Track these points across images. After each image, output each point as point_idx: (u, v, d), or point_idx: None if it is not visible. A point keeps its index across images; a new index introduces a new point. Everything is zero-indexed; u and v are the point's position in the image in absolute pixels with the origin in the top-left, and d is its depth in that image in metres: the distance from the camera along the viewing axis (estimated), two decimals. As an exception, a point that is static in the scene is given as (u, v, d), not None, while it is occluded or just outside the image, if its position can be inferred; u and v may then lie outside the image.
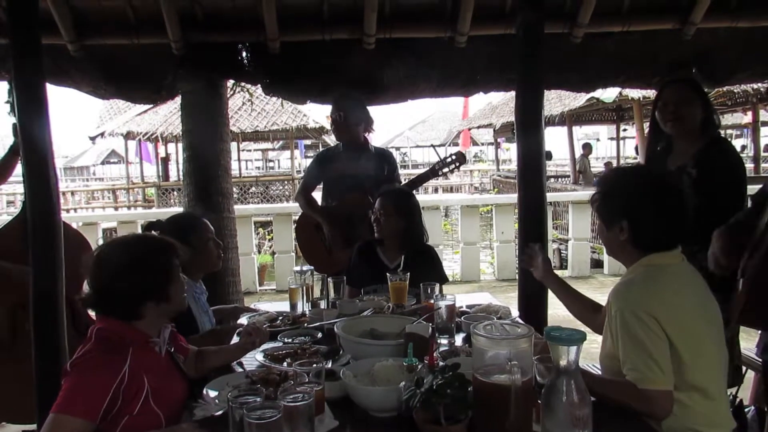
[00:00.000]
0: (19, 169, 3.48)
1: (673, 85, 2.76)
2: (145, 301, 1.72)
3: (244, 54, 3.66)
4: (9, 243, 3.05)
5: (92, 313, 2.02)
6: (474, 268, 7.53)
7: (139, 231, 5.81)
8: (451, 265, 8.41)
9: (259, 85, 3.92)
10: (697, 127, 2.65)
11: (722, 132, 3.22)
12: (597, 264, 8.10)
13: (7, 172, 3.54)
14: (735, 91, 9.40)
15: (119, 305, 1.72)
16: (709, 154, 2.59)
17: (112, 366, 1.59)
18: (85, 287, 1.77)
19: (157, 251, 1.80)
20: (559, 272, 8.15)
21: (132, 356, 1.63)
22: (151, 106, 12.01)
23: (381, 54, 3.62)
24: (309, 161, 4.81)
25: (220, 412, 1.62)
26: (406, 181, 3.88)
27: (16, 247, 2.81)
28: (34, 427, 3.08)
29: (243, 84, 5.05)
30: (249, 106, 12.25)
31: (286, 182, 15.54)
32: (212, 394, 1.78)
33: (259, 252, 8.37)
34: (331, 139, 14.59)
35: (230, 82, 4.55)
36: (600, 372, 1.86)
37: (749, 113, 12.28)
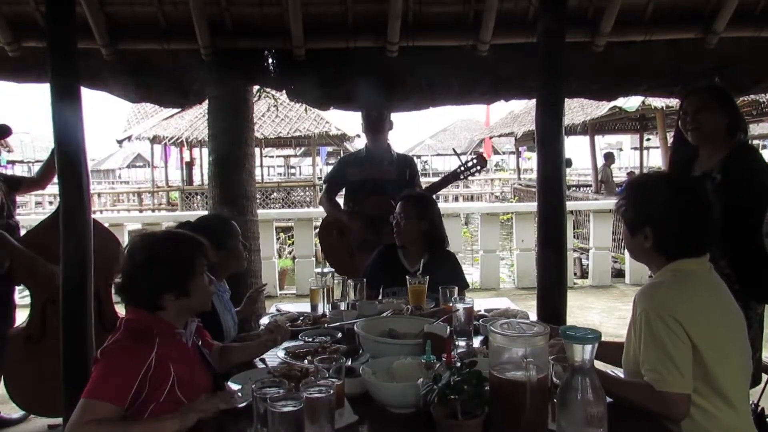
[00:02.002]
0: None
1: (692, 94, 2.74)
2: (164, 292, 1.77)
3: (270, 60, 3.73)
4: (44, 239, 3.16)
5: (118, 310, 2.09)
6: (493, 275, 7.52)
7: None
8: (471, 272, 8.41)
9: (284, 91, 4.00)
10: (721, 134, 2.61)
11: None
12: (618, 273, 8.04)
13: (51, 175, 3.70)
14: (761, 100, 9.28)
15: (141, 294, 1.79)
16: (734, 160, 2.56)
17: (140, 353, 1.66)
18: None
19: (180, 246, 1.86)
20: (579, 281, 8.12)
21: (159, 345, 1.69)
22: (178, 110, 12.23)
23: (404, 61, 3.67)
24: (330, 168, 4.89)
25: (243, 404, 1.67)
26: (428, 185, 3.93)
27: (50, 244, 2.91)
28: (59, 420, 3.17)
29: (268, 90, 5.15)
30: (273, 113, 12.40)
31: (307, 188, 15.68)
32: (235, 387, 1.83)
33: (280, 256, 8.46)
34: (352, 146, 14.68)
35: (255, 88, 4.64)
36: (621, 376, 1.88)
37: (776, 124, 12.10)
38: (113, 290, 1.84)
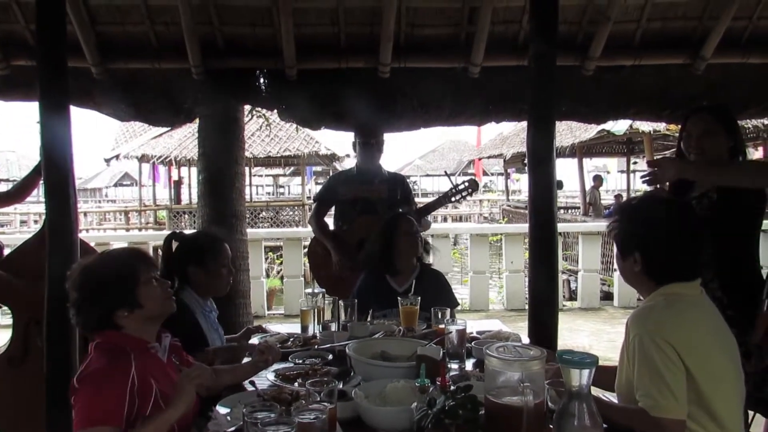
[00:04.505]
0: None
1: (695, 116, 2.68)
2: (115, 310, 1.75)
3: (261, 80, 3.74)
4: (28, 259, 3.10)
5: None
6: (483, 297, 7.50)
7: (151, 251, 5.87)
8: (460, 293, 8.39)
9: (275, 111, 4.00)
10: (723, 156, 2.58)
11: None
12: (607, 296, 8.04)
13: (27, 191, 3.63)
14: (746, 126, 9.43)
15: (94, 320, 1.75)
16: None
17: (121, 370, 1.64)
18: None
19: (116, 262, 1.84)
20: (568, 303, 8.13)
21: (135, 360, 1.67)
22: (167, 129, 12.21)
23: (396, 82, 3.69)
24: (318, 187, 4.87)
25: (232, 429, 1.64)
26: (419, 207, 3.92)
27: (35, 264, 2.85)
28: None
29: (259, 109, 5.15)
30: (263, 132, 12.40)
31: (296, 207, 15.63)
32: (224, 411, 1.79)
33: (268, 276, 8.40)
34: (341, 166, 14.69)
35: (247, 107, 4.64)
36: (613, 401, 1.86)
37: (760, 149, 12.28)
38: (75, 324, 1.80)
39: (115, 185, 39.17)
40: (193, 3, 3.30)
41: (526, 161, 3.00)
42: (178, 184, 17.07)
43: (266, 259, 8.31)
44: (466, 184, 3.79)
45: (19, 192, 3.72)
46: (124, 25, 3.47)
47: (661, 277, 1.74)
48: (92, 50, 3.46)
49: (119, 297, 1.76)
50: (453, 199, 3.81)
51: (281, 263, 8.17)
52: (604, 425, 1.43)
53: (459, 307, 4.61)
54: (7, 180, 27.04)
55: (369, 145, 3.73)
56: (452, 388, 1.54)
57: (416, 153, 37.33)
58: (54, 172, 2.72)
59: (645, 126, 9.50)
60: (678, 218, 1.77)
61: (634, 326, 1.68)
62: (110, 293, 1.75)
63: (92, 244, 3.56)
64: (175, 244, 2.60)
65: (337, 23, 3.52)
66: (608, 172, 26.72)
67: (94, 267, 1.81)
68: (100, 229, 17.43)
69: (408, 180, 4.30)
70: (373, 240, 3.16)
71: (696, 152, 2.64)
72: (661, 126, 8.71)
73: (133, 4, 3.35)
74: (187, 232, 2.64)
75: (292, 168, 22.26)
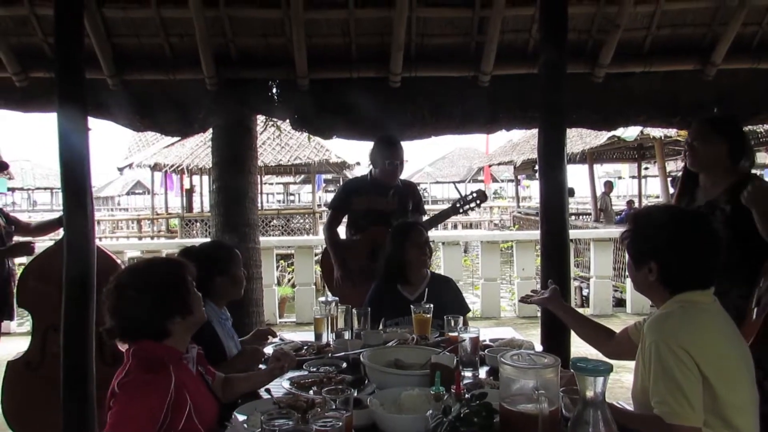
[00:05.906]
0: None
1: (694, 123, 2.77)
2: (172, 317, 1.77)
3: (274, 90, 3.78)
4: (48, 267, 3.16)
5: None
6: (494, 304, 7.47)
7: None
8: (471, 301, 8.36)
9: (287, 120, 4.03)
10: (720, 162, 2.60)
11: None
12: (619, 303, 7.99)
13: (45, 232, 4.16)
14: (758, 130, 9.37)
15: (148, 327, 1.76)
16: (741, 190, 2.47)
17: (162, 383, 1.64)
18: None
19: (171, 269, 1.88)
20: (580, 310, 8.05)
21: (174, 372, 1.68)
22: (179, 138, 12.31)
23: (406, 91, 3.72)
24: (328, 195, 4.86)
25: (250, 436, 1.65)
26: (428, 217, 3.93)
27: (55, 271, 2.89)
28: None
29: (272, 119, 5.19)
30: (274, 141, 12.47)
31: (306, 215, 15.68)
32: (241, 418, 1.81)
33: (279, 284, 8.42)
34: (352, 174, 14.73)
35: (261, 117, 4.68)
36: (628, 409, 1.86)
37: (773, 152, 12.19)
38: (108, 336, 1.80)
39: (128, 194, 39.51)
40: (207, 15, 3.35)
41: (536, 168, 3.01)
42: (189, 192, 17.19)
43: (277, 267, 8.33)
44: (474, 195, 3.79)
45: (38, 230, 4.16)
46: (140, 37, 3.53)
47: (677, 285, 1.74)
48: (108, 62, 3.52)
49: (178, 303, 1.80)
50: (461, 210, 3.81)
51: (292, 271, 8.19)
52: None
53: (470, 315, 4.61)
54: (22, 189, 27.38)
55: (395, 165, 3.69)
56: (467, 395, 1.55)
57: (426, 160, 37.31)
58: (72, 181, 2.76)
59: (656, 131, 9.46)
60: (694, 226, 1.77)
61: (651, 333, 1.68)
62: (172, 299, 1.79)
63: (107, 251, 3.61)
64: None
65: (348, 33, 3.56)
66: (620, 178, 26.59)
67: (152, 273, 1.84)
68: (113, 237, 17.56)
69: (418, 186, 4.28)
70: (384, 250, 3.17)
71: (688, 154, 2.68)
72: (672, 131, 8.67)
73: (148, 16, 3.41)
74: (194, 245, 2.68)
75: (302, 176, 22.35)
